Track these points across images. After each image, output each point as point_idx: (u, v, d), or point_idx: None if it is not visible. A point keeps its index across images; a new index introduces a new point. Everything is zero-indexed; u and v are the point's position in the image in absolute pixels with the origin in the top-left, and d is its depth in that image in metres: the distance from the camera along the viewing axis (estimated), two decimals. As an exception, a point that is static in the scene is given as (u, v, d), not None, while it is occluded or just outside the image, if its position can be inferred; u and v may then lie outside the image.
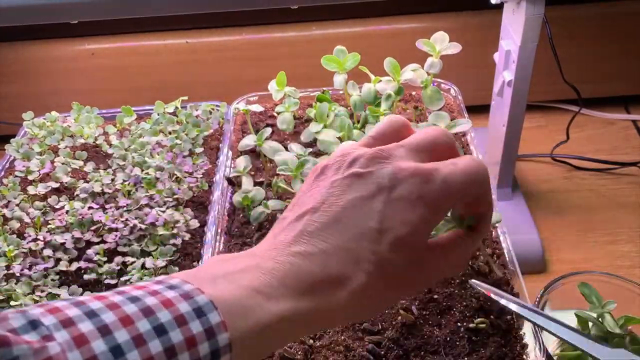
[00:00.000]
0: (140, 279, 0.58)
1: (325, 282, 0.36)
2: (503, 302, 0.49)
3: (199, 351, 0.32)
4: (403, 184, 0.37)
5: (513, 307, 0.48)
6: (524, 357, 0.51)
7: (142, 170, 0.71)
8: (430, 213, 0.38)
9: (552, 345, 0.57)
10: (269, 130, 0.70)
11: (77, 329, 0.30)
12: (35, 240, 0.63)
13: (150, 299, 0.33)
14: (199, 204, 0.69)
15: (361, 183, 0.38)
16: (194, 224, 0.66)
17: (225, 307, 0.34)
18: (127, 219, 0.64)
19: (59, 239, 0.63)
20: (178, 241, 0.63)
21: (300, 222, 0.39)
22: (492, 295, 0.50)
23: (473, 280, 0.52)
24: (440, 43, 0.69)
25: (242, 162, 0.68)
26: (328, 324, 0.44)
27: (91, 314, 0.31)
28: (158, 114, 0.80)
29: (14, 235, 0.64)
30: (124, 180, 0.70)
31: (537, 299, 0.60)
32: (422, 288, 0.47)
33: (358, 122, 0.71)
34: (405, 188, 0.37)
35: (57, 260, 0.61)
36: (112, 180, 0.70)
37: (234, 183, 0.70)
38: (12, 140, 0.77)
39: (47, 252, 0.62)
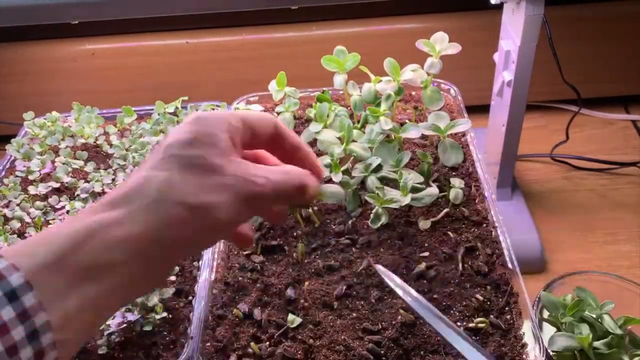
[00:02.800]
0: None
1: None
2: (399, 292, 0.50)
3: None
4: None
5: (407, 299, 0.49)
6: (524, 356, 0.51)
7: (143, 170, 0.71)
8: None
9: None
10: (269, 130, 0.70)
11: None
12: (35, 240, 0.63)
13: None
14: (199, 204, 0.69)
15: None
16: (194, 223, 0.66)
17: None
18: (127, 219, 0.64)
19: (59, 238, 0.63)
20: (178, 241, 0.63)
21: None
22: (390, 284, 0.51)
23: (378, 266, 0.53)
24: (440, 43, 0.70)
25: (243, 162, 0.68)
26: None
27: None
28: (158, 114, 0.80)
29: (15, 235, 0.64)
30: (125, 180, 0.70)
31: (537, 299, 0.60)
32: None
33: (358, 122, 0.71)
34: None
35: (58, 260, 0.61)
36: (113, 180, 0.70)
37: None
38: (12, 140, 0.77)
39: (48, 252, 0.62)
